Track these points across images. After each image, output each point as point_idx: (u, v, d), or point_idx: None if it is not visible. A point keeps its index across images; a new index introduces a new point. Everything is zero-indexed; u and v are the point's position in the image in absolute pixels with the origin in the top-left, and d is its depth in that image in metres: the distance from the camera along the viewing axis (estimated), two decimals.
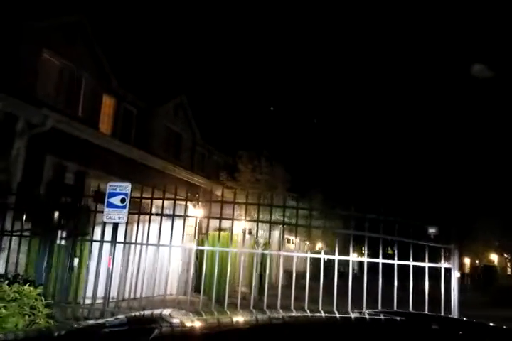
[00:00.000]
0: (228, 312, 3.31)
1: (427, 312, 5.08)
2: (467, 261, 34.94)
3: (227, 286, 5.22)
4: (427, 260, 5.20)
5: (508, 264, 23.51)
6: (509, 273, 23.51)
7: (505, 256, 22.89)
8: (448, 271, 5.23)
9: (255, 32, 46.50)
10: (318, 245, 28.03)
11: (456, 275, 5.24)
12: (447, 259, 5.27)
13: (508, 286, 18.78)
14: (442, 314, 4.90)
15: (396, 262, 5.28)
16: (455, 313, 5.08)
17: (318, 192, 24.63)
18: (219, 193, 14.63)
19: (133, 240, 5.62)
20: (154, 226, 5.52)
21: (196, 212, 12.70)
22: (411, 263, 5.20)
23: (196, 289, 9.57)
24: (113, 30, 17.41)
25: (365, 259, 5.56)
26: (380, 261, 5.31)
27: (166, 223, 5.53)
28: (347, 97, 53.93)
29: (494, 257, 24.51)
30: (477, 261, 29.13)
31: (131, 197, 5.33)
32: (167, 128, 15.41)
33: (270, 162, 14.11)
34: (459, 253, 5.35)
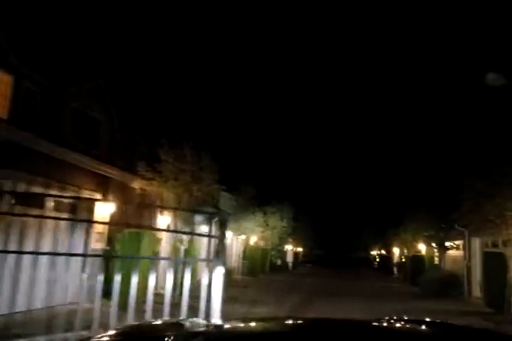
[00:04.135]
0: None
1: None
2: (396, 250, 35.75)
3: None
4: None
5: (436, 254, 23.95)
6: (436, 262, 23.95)
7: (433, 245, 23.23)
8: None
9: (173, 9, 44.45)
10: (253, 239, 27.28)
11: (219, 270, 3.74)
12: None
13: (436, 276, 18.93)
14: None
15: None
16: (216, 316, 3.76)
17: (247, 183, 23.80)
18: (136, 186, 13.26)
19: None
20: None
21: (104, 208, 11.24)
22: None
23: (105, 295, 8.44)
24: None
25: None
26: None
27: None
28: (278, 88, 53.58)
29: (422, 247, 24.87)
30: (405, 251, 29.69)
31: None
32: (79, 114, 13.68)
33: (196, 151, 12.87)
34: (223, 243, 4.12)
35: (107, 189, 11.96)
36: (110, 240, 11.52)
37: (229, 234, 25.19)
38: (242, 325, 2.36)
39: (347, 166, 69.93)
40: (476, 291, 16.66)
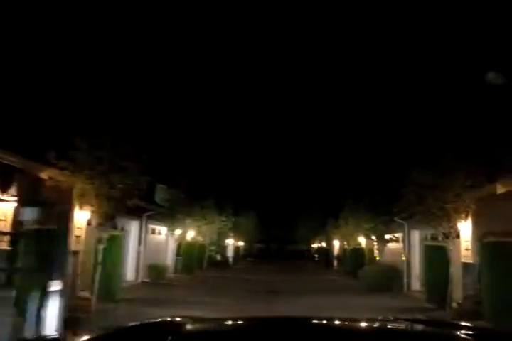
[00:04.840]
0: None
1: None
2: (336, 243, 35.70)
3: None
4: None
5: (375, 246, 23.80)
6: (376, 254, 23.85)
7: (373, 238, 23.08)
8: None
9: None
10: (191, 234, 25.87)
11: (54, 284, 2.70)
12: None
13: (375, 270, 18.55)
14: None
15: None
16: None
17: (183, 175, 22.50)
18: (46, 176, 11.59)
19: None
20: None
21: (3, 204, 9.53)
22: None
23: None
24: None
25: None
26: None
27: None
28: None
29: (362, 240, 24.65)
30: (345, 243, 29.52)
31: None
32: None
33: (117, 139, 11.42)
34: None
35: (10, 180, 10.22)
36: (16, 237, 9.86)
37: (163, 229, 23.61)
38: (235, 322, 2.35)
39: (286, 157, 70.00)
40: (416, 285, 16.37)
